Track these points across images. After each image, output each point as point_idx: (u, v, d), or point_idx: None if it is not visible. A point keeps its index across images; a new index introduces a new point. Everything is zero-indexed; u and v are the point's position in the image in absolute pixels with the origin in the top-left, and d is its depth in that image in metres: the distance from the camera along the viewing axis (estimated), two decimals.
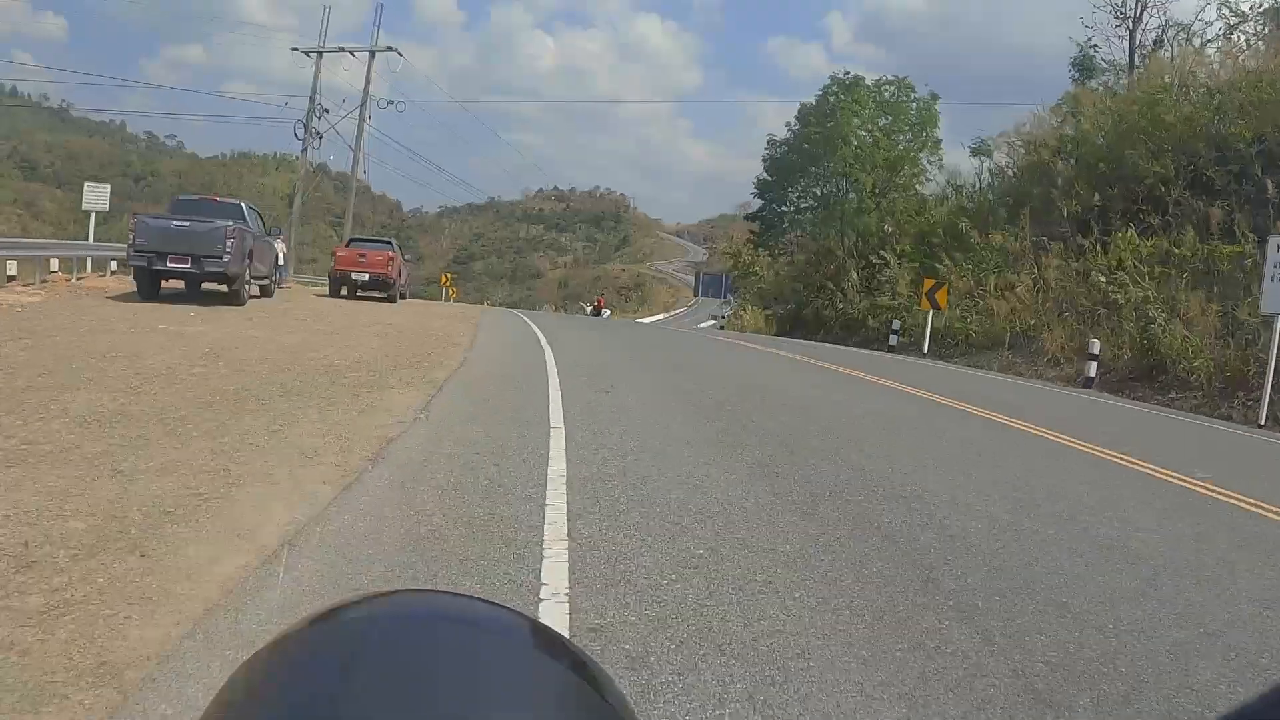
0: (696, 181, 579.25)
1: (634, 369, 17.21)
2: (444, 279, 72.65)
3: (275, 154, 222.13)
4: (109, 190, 33.86)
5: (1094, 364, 24.01)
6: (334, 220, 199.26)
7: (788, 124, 57.32)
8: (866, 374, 19.18)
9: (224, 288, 21.71)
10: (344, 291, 31.89)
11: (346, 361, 13.52)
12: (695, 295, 62.41)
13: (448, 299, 73.89)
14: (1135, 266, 26.05)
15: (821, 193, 53.73)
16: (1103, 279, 26.43)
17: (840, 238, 48.38)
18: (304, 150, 51.95)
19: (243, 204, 24.61)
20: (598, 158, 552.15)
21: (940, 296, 31.79)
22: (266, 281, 25.77)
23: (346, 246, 33.54)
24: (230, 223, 21.12)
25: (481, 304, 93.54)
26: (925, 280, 33.20)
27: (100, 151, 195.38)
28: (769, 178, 56.77)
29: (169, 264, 20.44)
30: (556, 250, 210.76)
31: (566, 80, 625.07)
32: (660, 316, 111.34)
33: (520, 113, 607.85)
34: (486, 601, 0.78)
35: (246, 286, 22.24)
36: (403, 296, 34.47)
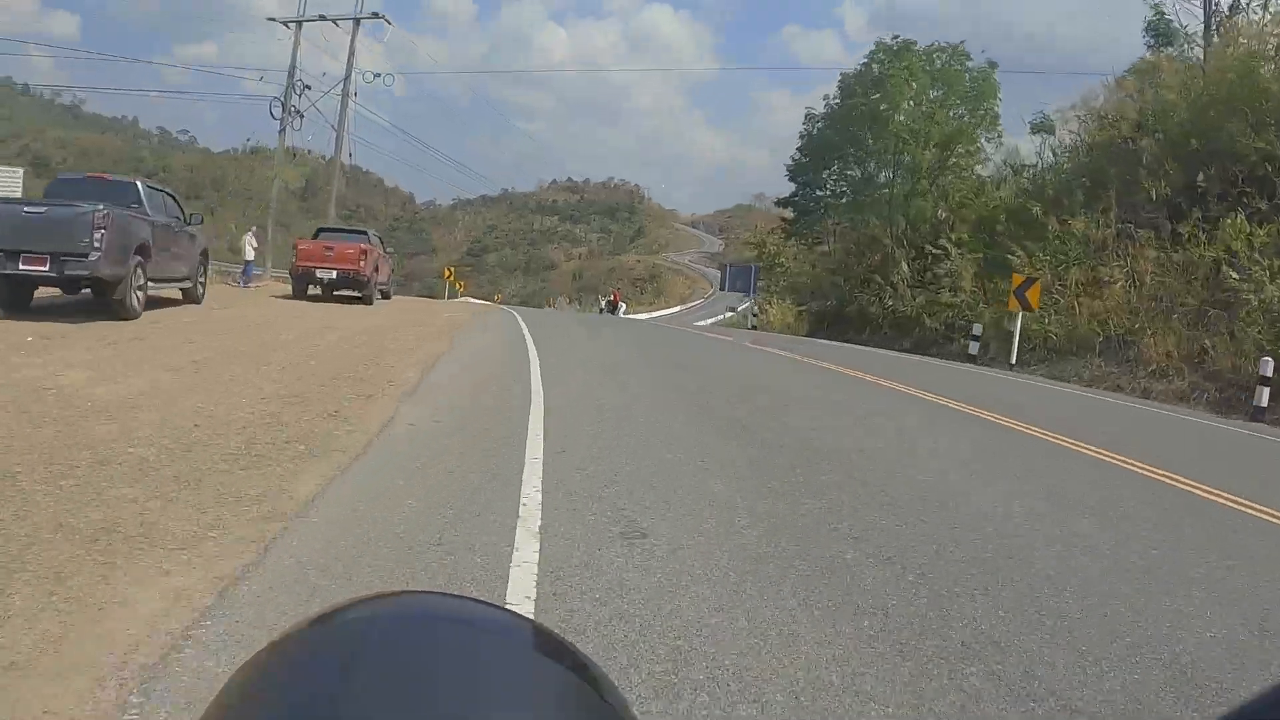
0: (709, 172, 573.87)
1: (672, 422, 10.49)
2: (447, 273, 67.19)
3: (289, 148, 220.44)
4: (21, 175, 30.32)
5: (1265, 390, 18.68)
6: (346, 214, 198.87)
7: (826, 98, 51.46)
8: (979, 409, 13.58)
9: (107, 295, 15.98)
10: (314, 290, 28.03)
11: (158, 449, 7.24)
12: (719, 288, 61.67)
13: (455, 295, 70.54)
14: (1250, 258, 21.94)
15: (863, 174, 48.49)
16: (1234, 275, 21.97)
17: (887, 224, 43.14)
18: (281, 130, 45.78)
19: (139, 183, 18.35)
20: (610, 149, 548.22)
21: (1032, 295, 26.90)
22: (188, 284, 20.23)
23: (314, 238, 29.08)
24: (101, 207, 15.15)
25: (493, 298, 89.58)
26: (1014, 276, 28.38)
27: (112, 148, 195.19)
28: (803, 159, 51.21)
29: (21, 266, 14.73)
30: (571, 242, 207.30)
31: (578, 70, 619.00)
32: (677, 309, 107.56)
33: (531, 104, 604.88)
34: (486, 603, 0.78)
35: (136, 294, 16.37)
36: (384, 295, 31.30)
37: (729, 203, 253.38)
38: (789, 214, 55.89)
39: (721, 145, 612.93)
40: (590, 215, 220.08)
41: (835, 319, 42.61)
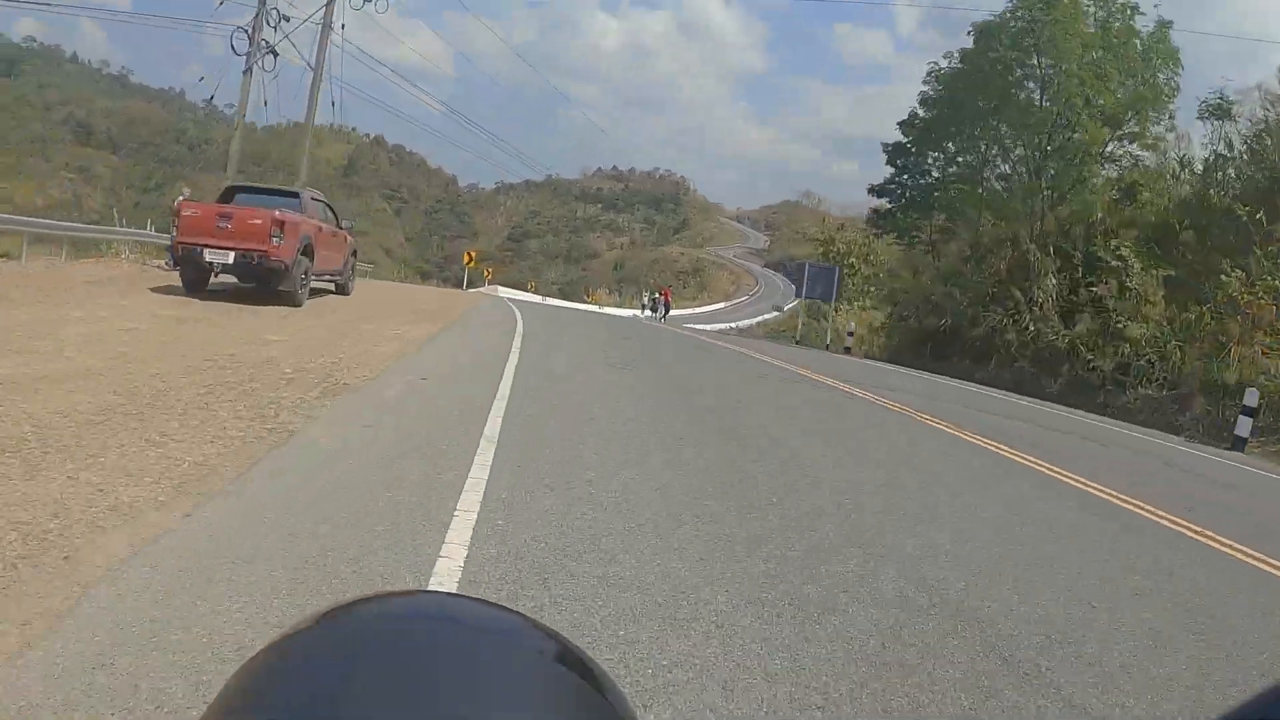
0: (756, 167, 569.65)
1: None
2: (467, 258, 59.79)
3: (330, 124, 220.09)
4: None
5: None
6: (388, 193, 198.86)
7: (935, 65, 42.59)
8: None
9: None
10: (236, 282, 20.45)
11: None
12: (798, 294, 48.06)
13: (481, 282, 68.14)
14: None
15: (981, 157, 40.03)
16: None
17: (1030, 222, 34.11)
18: (247, 70, 33.72)
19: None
20: (656, 139, 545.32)
21: None
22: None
23: (223, 199, 20.74)
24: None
25: (527, 286, 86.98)
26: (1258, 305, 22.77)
27: (157, 118, 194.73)
28: (907, 139, 43.26)
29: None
30: (613, 231, 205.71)
31: (627, 60, 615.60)
32: (721, 305, 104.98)
33: (579, 93, 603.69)
34: (486, 602, 0.79)
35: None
36: (340, 289, 24.25)
37: (776, 198, 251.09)
38: (882, 204, 48.81)
39: (769, 140, 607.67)
40: (634, 205, 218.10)
41: (943, 340, 34.30)
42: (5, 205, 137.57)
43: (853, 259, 50.81)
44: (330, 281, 23.61)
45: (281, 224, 18.65)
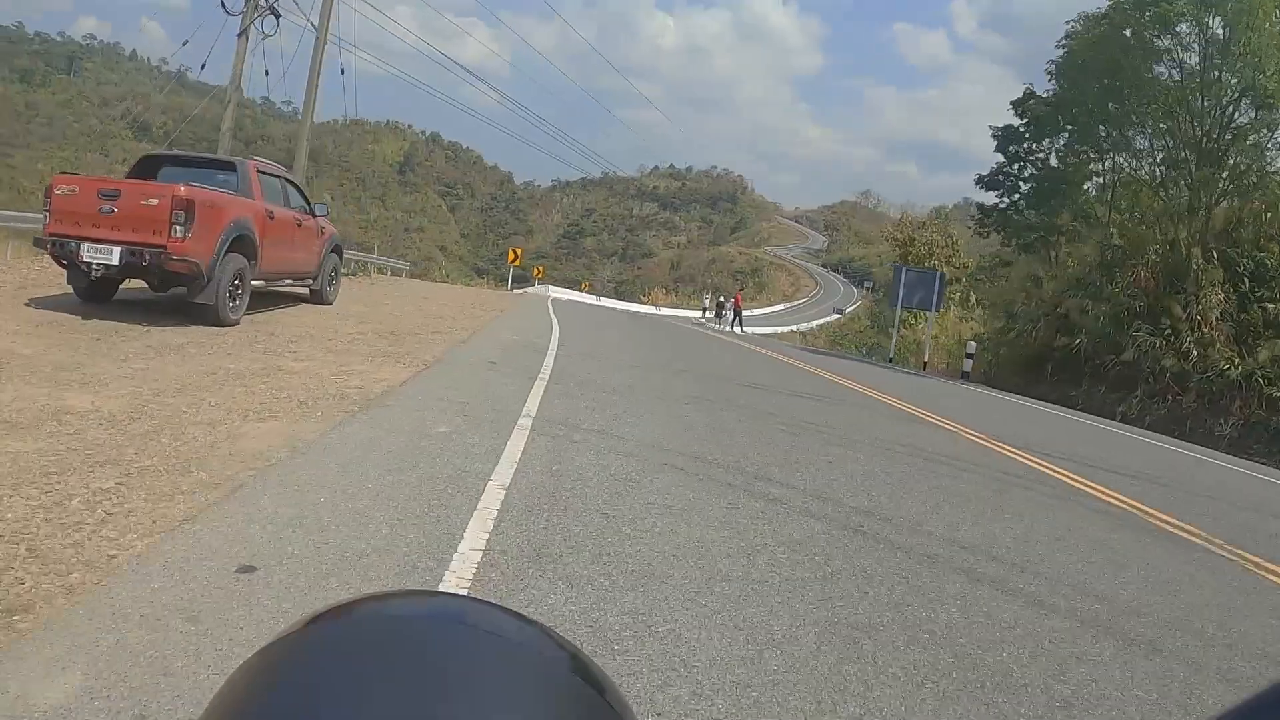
0: (813, 167, 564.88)
1: None
2: (512, 255, 53.10)
3: (387, 121, 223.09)
4: None
5: None
6: (444, 190, 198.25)
7: (1073, 24, 33.48)
8: None
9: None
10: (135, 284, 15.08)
11: None
12: (893, 303, 36.46)
13: (530, 282, 65.69)
14: None
15: (1120, 140, 32.32)
16: None
17: (1190, 222, 27.94)
18: (241, 33, 27.80)
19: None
20: (713, 139, 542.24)
21: None
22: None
23: (134, 174, 14.67)
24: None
25: (580, 286, 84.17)
26: None
27: (214, 115, 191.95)
28: (1018, 124, 35.95)
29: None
30: (669, 230, 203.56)
31: (685, 60, 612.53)
32: (780, 307, 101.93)
33: (636, 92, 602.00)
34: (486, 602, 0.78)
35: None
36: (316, 297, 18.36)
37: (834, 198, 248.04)
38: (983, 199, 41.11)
39: (826, 140, 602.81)
40: (691, 204, 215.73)
41: (1068, 362, 27.77)
42: None
43: (934, 260, 46.12)
44: (303, 287, 17.82)
45: (189, 206, 12.43)
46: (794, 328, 73.28)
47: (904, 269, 36.83)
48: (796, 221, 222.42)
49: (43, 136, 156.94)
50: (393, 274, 41.63)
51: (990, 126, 37.22)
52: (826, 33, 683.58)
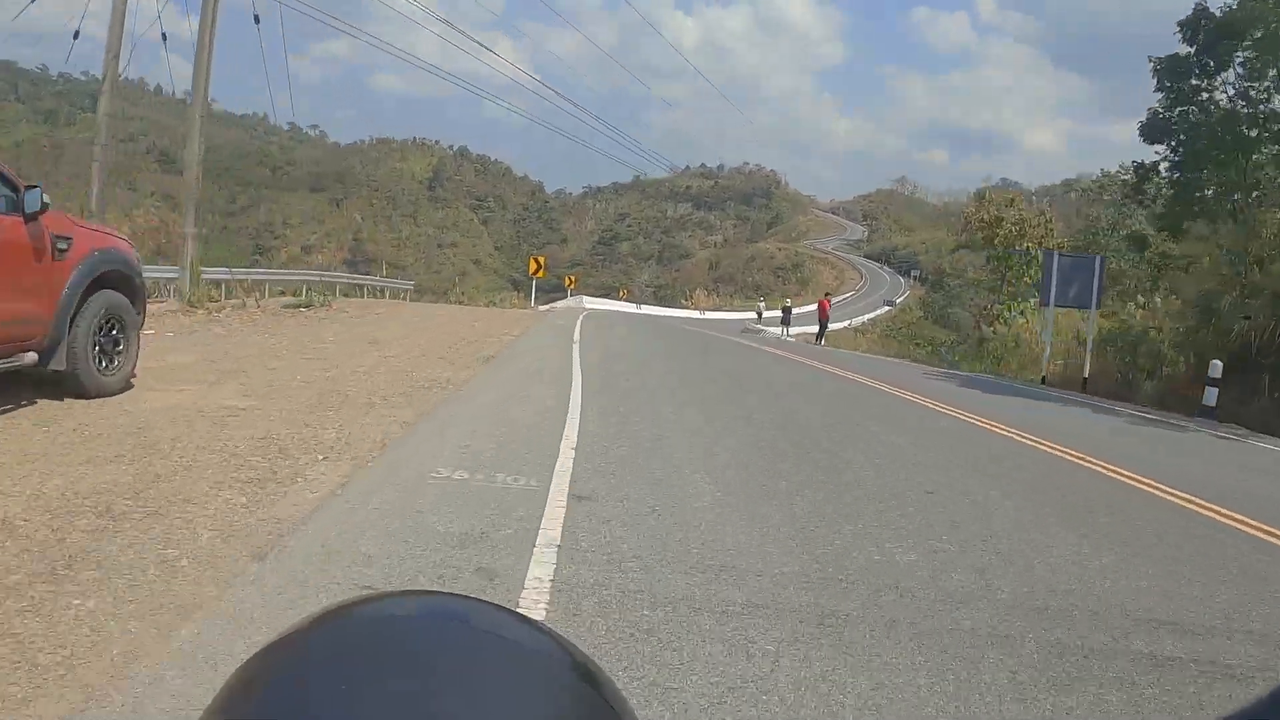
0: (843, 158, 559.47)
1: None
2: (534, 265, 45.81)
3: (414, 138, 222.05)
4: None
5: None
6: (475, 203, 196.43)
7: None
8: None
9: None
10: None
11: None
12: (1045, 300, 25.29)
13: (565, 293, 62.47)
14: None
15: None
16: None
17: None
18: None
19: None
20: (742, 136, 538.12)
21: None
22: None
23: None
24: None
25: (618, 294, 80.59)
26: None
27: (239, 142, 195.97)
28: (1187, 52, 25.90)
29: None
30: (705, 229, 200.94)
31: (710, 57, 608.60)
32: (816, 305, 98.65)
33: (662, 93, 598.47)
34: (485, 603, 0.78)
35: None
36: (72, 382, 8.85)
37: (869, 187, 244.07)
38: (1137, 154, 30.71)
39: (854, 131, 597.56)
40: (725, 202, 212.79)
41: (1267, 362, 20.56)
42: None
43: (1027, 243, 40.58)
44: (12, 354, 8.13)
45: None
46: (845, 323, 69.56)
47: (1057, 255, 27.44)
48: (833, 213, 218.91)
49: (70, 174, 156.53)
50: (390, 297, 38.71)
51: (1150, 59, 27.45)
52: (847, 22, 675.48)
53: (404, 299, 38.60)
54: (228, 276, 26.53)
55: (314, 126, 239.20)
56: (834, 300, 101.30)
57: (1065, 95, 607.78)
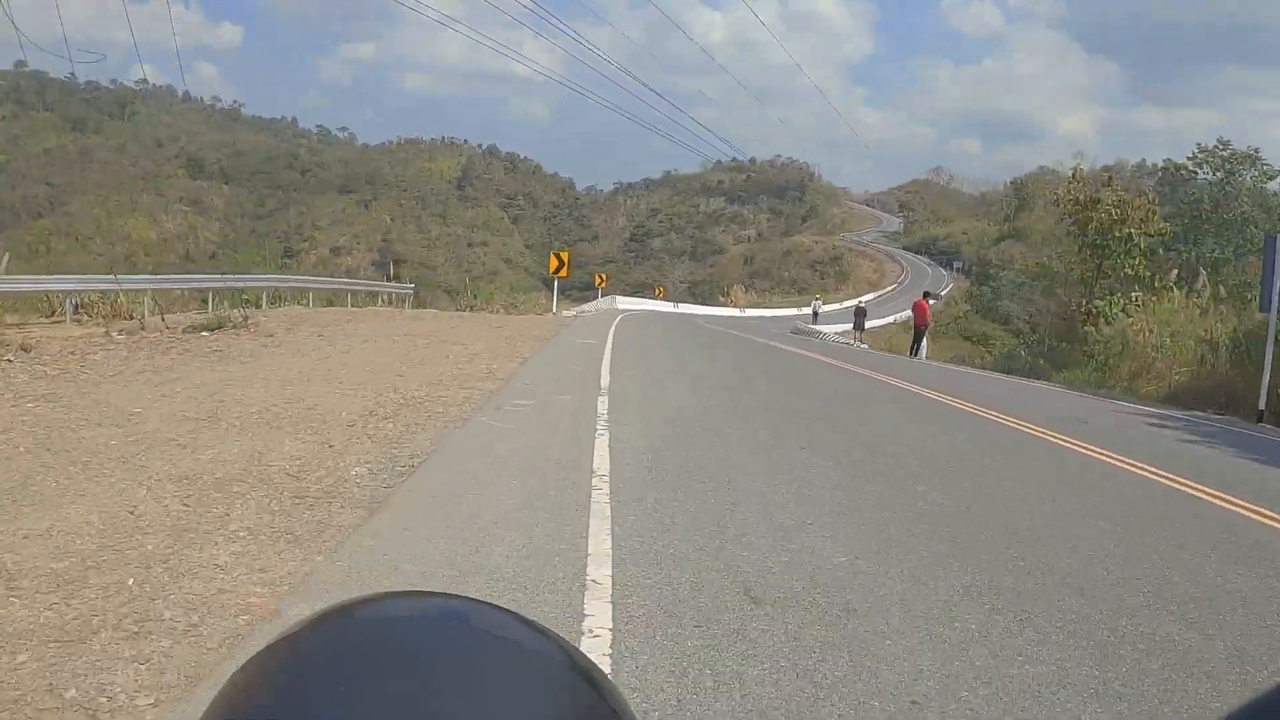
0: (876, 150, 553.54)
1: None
2: (555, 262, 41.36)
3: (442, 138, 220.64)
4: None
5: None
6: (505, 202, 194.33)
7: None
8: None
9: None
10: None
11: None
12: (1264, 305, 17.86)
13: (596, 294, 59.49)
14: None
15: None
16: None
17: None
18: None
19: None
20: (774, 129, 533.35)
21: None
22: None
23: None
24: None
25: (654, 292, 77.34)
26: None
27: (267, 146, 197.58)
28: None
29: None
30: (738, 224, 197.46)
31: (738, 52, 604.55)
32: (870, 296, 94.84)
33: (693, 89, 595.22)
34: (486, 603, 0.79)
35: None
36: None
37: (904, 178, 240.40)
38: None
39: (885, 123, 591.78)
40: (758, 195, 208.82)
41: None
42: (124, 242, 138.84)
43: (1129, 228, 36.04)
44: None
45: None
46: (892, 319, 66.42)
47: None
48: (868, 205, 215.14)
49: (97, 183, 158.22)
50: (386, 303, 35.88)
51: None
52: (874, 12, 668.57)
53: (404, 305, 35.93)
54: (114, 286, 21.90)
55: (342, 129, 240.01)
56: (876, 296, 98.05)
57: (1096, 81, 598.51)
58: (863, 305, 49.95)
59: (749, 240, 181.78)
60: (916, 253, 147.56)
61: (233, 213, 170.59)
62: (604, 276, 62.31)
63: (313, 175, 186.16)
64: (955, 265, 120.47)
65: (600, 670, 0.72)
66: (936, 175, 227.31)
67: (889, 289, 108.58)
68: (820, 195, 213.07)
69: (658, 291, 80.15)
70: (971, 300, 76.89)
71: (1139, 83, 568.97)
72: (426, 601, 0.80)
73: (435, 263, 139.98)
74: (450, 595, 0.78)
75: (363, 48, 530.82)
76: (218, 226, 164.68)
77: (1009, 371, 29.47)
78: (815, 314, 62.05)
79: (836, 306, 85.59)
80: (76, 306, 21.01)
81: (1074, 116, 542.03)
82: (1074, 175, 43.25)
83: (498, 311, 36.80)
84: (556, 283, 40.16)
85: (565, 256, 40.84)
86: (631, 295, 77.14)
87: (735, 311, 73.80)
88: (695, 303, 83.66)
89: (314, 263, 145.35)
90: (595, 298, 55.74)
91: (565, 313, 38.48)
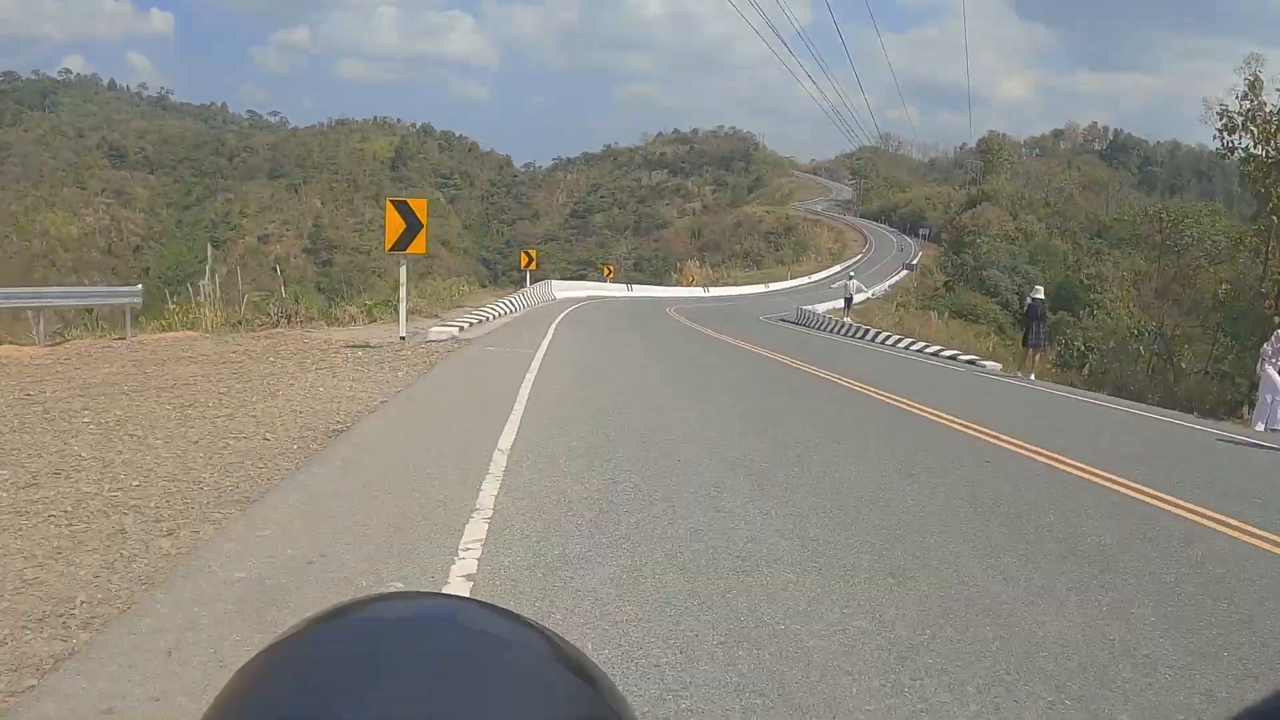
0: (816, 121, 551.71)
1: None
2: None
3: (375, 118, 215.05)
4: None
5: None
6: (440, 182, 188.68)
7: None
8: None
9: None
10: None
11: None
12: None
13: (525, 279, 46.80)
14: None
15: None
16: None
17: None
18: None
19: None
20: (716, 101, 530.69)
21: None
22: None
23: None
24: None
25: (602, 272, 69.60)
26: None
27: (193, 133, 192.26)
28: None
29: None
30: (683, 196, 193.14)
31: (674, 26, 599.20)
32: (836, 269, 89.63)
33: (629, 64, 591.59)
34: (483, 603, 0.79)
35: None
36: None
37: (850, 146, 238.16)
38: None
39: (826, 93, 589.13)
40: (702, 167, 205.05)
41: None
42: (42, 238, 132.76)
43: None
44: None
45: None
46: (869, 294, 59.88)
47: None
48: (815, 175, 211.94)
49: (16, 176, 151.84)
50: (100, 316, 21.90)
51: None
52: None
53: (125, 323, 20.27)
54: None
55: (274, 113, 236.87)
56: (842, 267, 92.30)
57: (1033, 47, 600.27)
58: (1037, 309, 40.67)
59: (694, 213, 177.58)
60: (875, 220, 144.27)
61: (158, 203, 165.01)
62: (531, 254, 48.66)
63: (241, 160, 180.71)
64: (922, 232, 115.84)
65: (598, 668, 0.72)
66: (885, 143, 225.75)
67: (853, 260, 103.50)
68: (767, 165, 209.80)
69: (606, 271, 67.70)
70: (949, 270, 72.01)
71: (1073, 48, 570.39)
72: (424, 602, 0.80)
73: (368, 247, 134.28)
74: (449, 596, 0.78)
75: (297, 33, 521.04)
76: (142, 218, 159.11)
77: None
78: (849, 301, 44.90)
79: (804, 281, 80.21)
80: None
81: (1012, 82, 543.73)
82: (1252, 86, 33.55)
83: (353, 325, 25.53)
84: (404, 268, 22.40)
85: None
86: (572, 279, 69.87)
87: (697, 291, 67.70)
88: (650, 282, 77.15)
89: (241, 252, 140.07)
90: (526, 287, 43.67)
91: (441, 330, 22.70)
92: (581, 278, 77.14)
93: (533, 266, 46.40)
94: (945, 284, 65.50)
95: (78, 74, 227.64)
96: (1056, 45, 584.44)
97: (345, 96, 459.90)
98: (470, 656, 0.68)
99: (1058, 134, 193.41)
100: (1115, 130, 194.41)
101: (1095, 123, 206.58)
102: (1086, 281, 54.45)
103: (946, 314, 53.04)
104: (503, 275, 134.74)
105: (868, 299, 58.36)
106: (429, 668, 0.66)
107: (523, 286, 44.02)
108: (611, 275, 65.53)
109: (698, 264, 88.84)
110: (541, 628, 0.75)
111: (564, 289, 45.86)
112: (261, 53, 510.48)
